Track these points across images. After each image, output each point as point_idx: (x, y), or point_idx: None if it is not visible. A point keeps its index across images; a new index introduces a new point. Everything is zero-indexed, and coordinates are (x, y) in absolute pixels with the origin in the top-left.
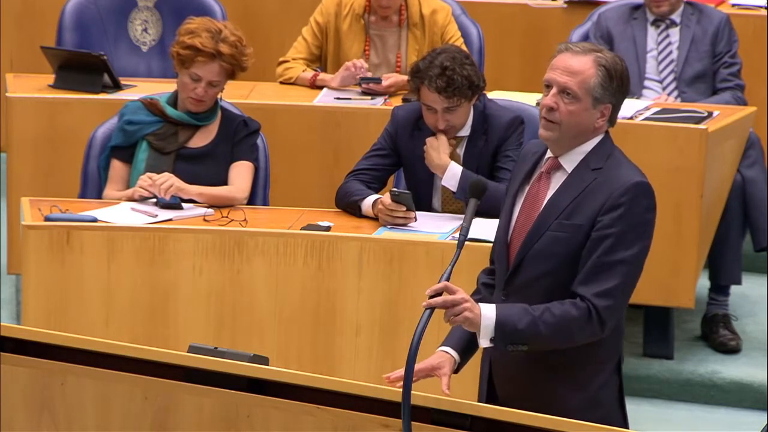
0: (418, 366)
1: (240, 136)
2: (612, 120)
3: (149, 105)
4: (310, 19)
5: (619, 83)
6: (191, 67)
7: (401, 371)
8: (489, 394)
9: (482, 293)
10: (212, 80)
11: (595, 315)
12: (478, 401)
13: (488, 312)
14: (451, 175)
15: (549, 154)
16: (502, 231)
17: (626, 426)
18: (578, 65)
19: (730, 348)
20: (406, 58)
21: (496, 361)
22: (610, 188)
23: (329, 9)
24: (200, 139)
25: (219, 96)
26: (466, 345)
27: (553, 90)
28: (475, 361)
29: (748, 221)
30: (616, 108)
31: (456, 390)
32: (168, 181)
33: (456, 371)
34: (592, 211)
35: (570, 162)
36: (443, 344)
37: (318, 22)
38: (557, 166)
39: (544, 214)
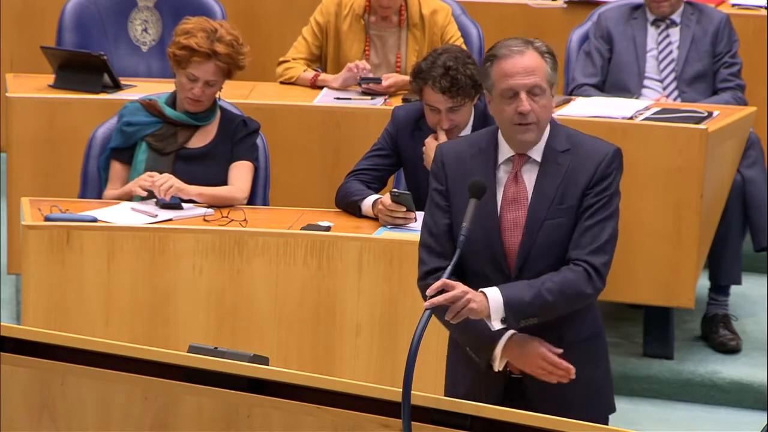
0: (533, 364)
1: (239, 135)
2: None
3: (148, 106)
4: (310, 19)
5: (557, 63)
6: (187, 68)
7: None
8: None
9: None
10: (209, 80)
11: (593, 272)
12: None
13: (494, 294)
14: None
15: (507, 152)
16: (489, 236)
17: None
18: (532, 62)
19: (730, 348)
20: (406, 58)
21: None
22: (594, 161)
23: (329, 9)
24: (200, 140)
25: (217, 95)
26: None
27: (522, 95)
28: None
29: (748, 221)
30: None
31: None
32: (168, 182)
33: None
34: (579, 188)
35: (536, 151)
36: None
37: (318, 22)
38: (526, 160)
39: (535, 208)
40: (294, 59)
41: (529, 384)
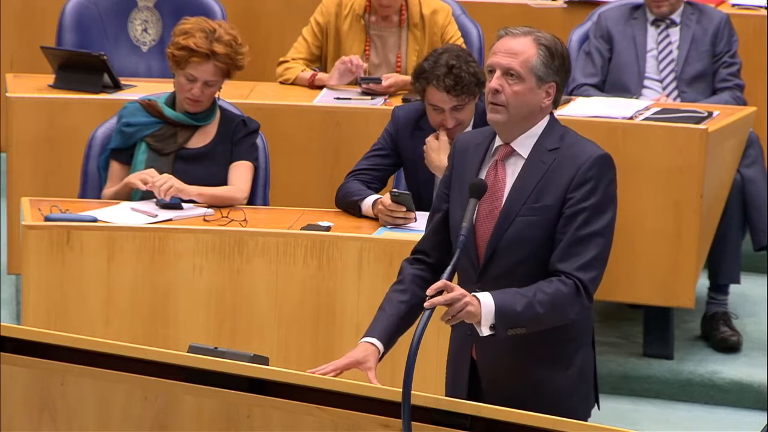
0: (340, 361)
1: (239, 136)
2: (557, 100)
3: (147, 106)
4: (311, 19)
5: (560, 61)
6: (186, 68)
7: (325, 367)
8: (471, 389)
9: (406, 284)
10: (208, 80)
11: (582, 288)
12: (448, 394)
13: (487, 300)
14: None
15: (498, 142)
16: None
17: (597, 398)
18: (519, 46)
19: (731, 344)
20: (406, 58)
21: (482, 353)
22: (576, 164)
23: (329, 9)
24: (199, 140)
25: (216, 95)
26: (390, 335)
27: (497, 73)
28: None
29: (748, 221)
30: (561, 88)
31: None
32: (167, 183)
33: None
34: (559, 189)
35: (524, 146)
36: (366, 335)
37: (318, 22)
38: (511, 153)
39: (511, 201)
40: (294, 59)
41: (483, 373)
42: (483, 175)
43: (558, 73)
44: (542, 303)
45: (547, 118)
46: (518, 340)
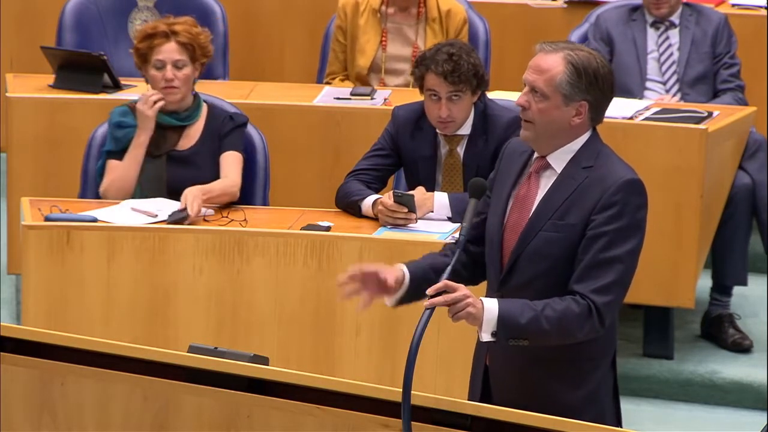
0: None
1: (226, 130)
2: (595, 118)
3: (134, 109)
4: (333, 28)
5: (591, 80)
6: (152, 56)
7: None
8: (483, 394)
9: (448, 252)
10: (175, 60)
11: (594, 311)
12: (468, 398)
13: (491, 306)
14: (440, 205)
15: (536, 154)
16: (494, 232)
17: (620, 423)
18: (546, 63)
19: (744, 347)
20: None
21: (494, 360)
22: (603, 187)
23: (346, 11)
24: (188, 141)
25: (193, 88)
26: (420, 272)
27: (525, 89)
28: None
29: (759, 224)
30: (596, 105)
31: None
32: (195, 201)
33: (397, 302)
34: (585, 210)
35: (559, 161)
36: (405, 264)
37: (339, 26)
38: (546, 166)
39: (537, 215)
40: (330, 75)
41: (494, 381)
42: (520, 185)
43: (588, 91)
44: (549, 319)
45: (587, 135)
46: (533, 352)
